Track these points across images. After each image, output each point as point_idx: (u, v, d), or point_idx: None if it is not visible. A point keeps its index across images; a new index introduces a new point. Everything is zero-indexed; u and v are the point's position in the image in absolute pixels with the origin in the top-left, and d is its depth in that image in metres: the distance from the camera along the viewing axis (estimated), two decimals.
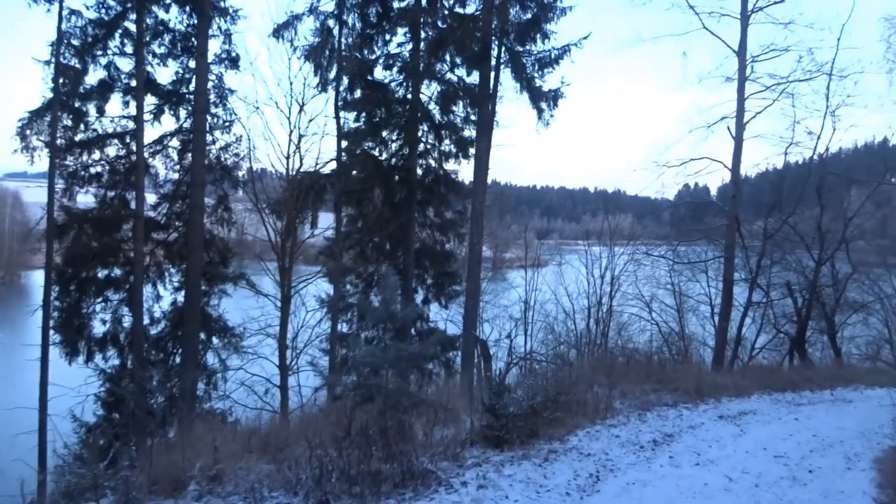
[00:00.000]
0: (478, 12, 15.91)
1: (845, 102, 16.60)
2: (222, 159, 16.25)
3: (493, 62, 15.70)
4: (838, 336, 17.74)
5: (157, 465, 5.55)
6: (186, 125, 15.73)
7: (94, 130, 14.96)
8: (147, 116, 15.26)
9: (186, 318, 14.99)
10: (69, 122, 14.73)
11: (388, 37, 17.44)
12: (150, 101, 15.38)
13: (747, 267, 17.76)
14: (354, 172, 17.35)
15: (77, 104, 14.73)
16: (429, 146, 18.00)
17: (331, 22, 16.54)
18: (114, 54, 14.83)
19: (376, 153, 17.67)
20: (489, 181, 17.99)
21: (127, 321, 15.23)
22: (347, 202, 17.20)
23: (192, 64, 15.44)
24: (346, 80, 16.83)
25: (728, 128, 16.96)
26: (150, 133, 15.59)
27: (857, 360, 17.93)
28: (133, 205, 15.13)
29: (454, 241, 18.96)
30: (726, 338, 17.08)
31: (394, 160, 17.75)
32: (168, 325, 15.81)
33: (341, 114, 16.70)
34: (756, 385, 11.31)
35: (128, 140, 15.15)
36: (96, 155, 15.13)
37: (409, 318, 15.14)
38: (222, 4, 15.60)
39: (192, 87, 15.44)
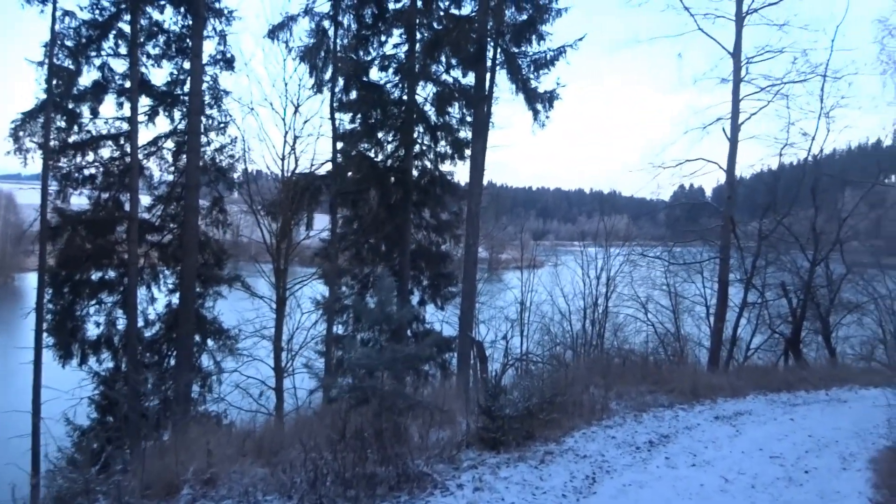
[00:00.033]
0: (473, 13, 15.91)
1: (839, 104, 16.67)
2: (217, 161, 16.22)
3: (489, 63, 15.71)
4: (833, 336, 17.80)
5: (151, 469, 5.50)
6: (181, 126, 15.67)
7: (88, 132, 14.92)
8: (141, 118, 15.24)
9: (181, 321, 14.93)
10: (63, 124, 14.68)
11: (383, 38, 17.42)
12: (144, 102, 15.39)
13: (742, 267, 17.80)
14: (350, 174, 17.32)
15: (71, 105, 14.68)
16: (424, 147, 17.99)
17: (326, 23, 16.53)
18: (108, 55, 14.81)
19: (372, 154, 17.65)
20: (485, 182, 18.00)
21: (121, 323, 15.16)
22: (343, 203, 17.16)
23: (186, 65, 15.40)
24: (341, 82, 16.80)
25: (723, 129, 17.01)
26: (145, 134, 15.58)
27: (851, 360, 17.99)
28: (127, 206, 15.06)
29: (450, 242, 18.94)
30: (722, 338, 17.12)
31: (389, 161, 17.73)
32: (162, 328, 15.75)
33: (337, 115, 16.69)
34: (751, 385, 11.32)
35: (122, 141, 15.09)
36: (90, 156, 15.09)
37: (405, 320, 15.11)
38: (217, 5, 15.56)
39: (186, 88, 15.39)
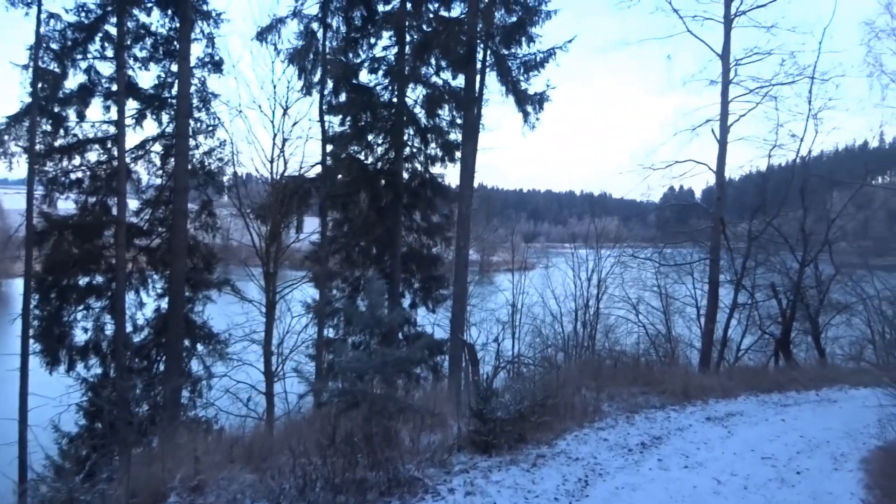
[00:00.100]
0: (463, 16, 15.91)
1: (827, 106, 16.83)
2: (206, 164, 16.09)
3: (479, 65, 15.72)
4: (822, 337, 17.89)
5: (137, 477, 5.41)
6: (169, 130, 15.52)
7: (75, 135, 14.71)
8: (129, 121, 15.07)
9: (170, 325, 14.79)
10: (48, 128, 14.49)
11: (373, 40, 17.41)
12: (131, 105, 15.20)
13: (732, 268, 17.86)
14: (340, 176, 17.27)
15: (56, 109, 14.49)
16: (415, 150, 17.97)
17: (315, 25, 16.47)
18: (94, 58, 14.63)
19: (362, 157, 17.62)
20: (475, 185, 18.00)
21: (109, 329, 14.97)
22: (333, 206, 17.08)
23: (174, 68, 15.25)
24: (330, 84, 16.75)
25: (712, 130, 17.09)
26: (132, 138, 15.42)
27: (841, 360, 18.08)
28: (115, 211, 14.89)
29: (441, 244, 18.91)
30: (712, 339, 17.16)
31: (379, 164, 17.69)
32: (151, 333, 15.58)
33: (326, 117, 16.62)
34: (742, 386, 11.34)
35: (109, 145, 14.91)
36: (77, 160, 14.87)
37: (396, 323, 15.08)
38: (205, 8, 15.42)
39: (174, 91, 15.23)
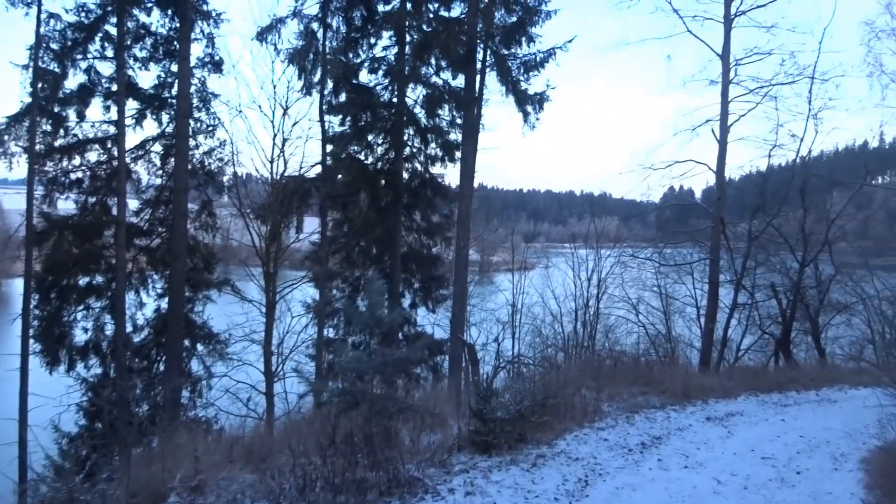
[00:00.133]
0: (463, 16, 15.91)
1: (827, 106, 16.79)
2: (206, 164, 16.07)
3: (479, 65, 15.72)
4: (822, 337, 17.88)
5: (137, 477, 5.41)
6: (169, 130, 15.51)
7: (75, 135, 14.70)
8: (129, 121, 15.05)
9: (170, 325, 14.78)
10: (48, 128, 14.48)
11: (373, 40, 17.40)
12: (131, 105, 15.17)
13: (732, 268, 17.85)
14: (340, 176, 17.26)
15: (56, 109, 14.47)
16: (415, 150, 17.97)
17: (315, 25, 16.46)
18: (94, 58, 14.60)
19: (362, 157, 17.61)
20: (475, 185, 18.00)
21: (109, 329, 14.95)
22: (333, 206, 17.08)
23: (174, 68, 15.23)
24: (330, 84, 16.74)
25: (712, 130, 17.06)
26: (132, 138, 15.40)
27: (840, 360, 18.08)
28: (115, 211, 14.87)
29: (441, 244, 18.90)
30: (712, 339, 17.14)
31: (380, 164, 17.69)
32: (151, 333, 15.57)
33: (326, 117, 16.61)
34: (742, 386, 11.34)
35: (109, 145, 14.89)
36: (77, 160, 14.84)
37: (396, 323, 15.07)
38: (205, 8, 15.40)
39: (174, 91, 15.21)
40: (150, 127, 15.59)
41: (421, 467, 6.16)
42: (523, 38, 15.51)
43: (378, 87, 17.64)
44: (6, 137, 14.06)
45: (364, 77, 17.60)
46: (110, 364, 14.81)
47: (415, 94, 17.58)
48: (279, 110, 15.10)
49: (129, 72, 15.00)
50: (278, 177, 15.16)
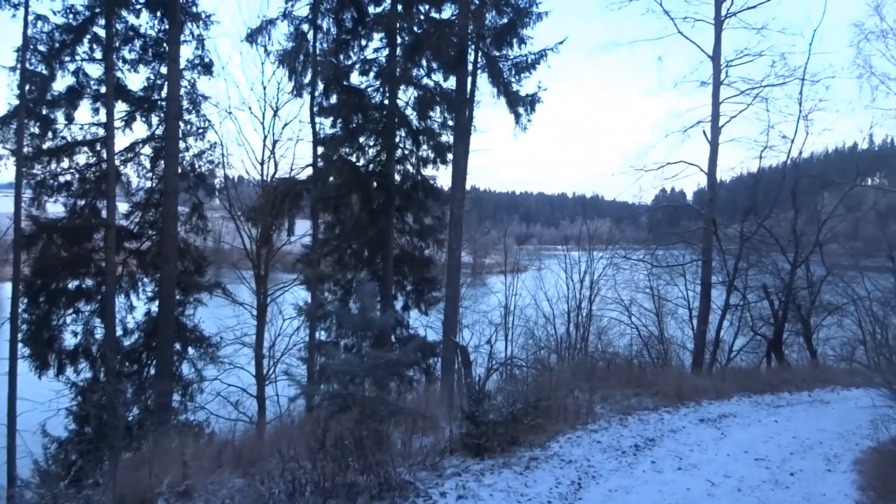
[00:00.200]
0: (454, 17, 15.88)
1: (817, 107, 16.85)
2: (196, 167, 15.97)
3: (470, 67, 15.69)
4: (814, 338, 17.93)
5: (124, 482, 5.33)
6: (159, 132, 15.43)
7: (63, 138, 14.59)
8: (118, 123, 14.96)
9: (161, 329, 14.66)
10: (36, 130, 14.36)
11: (364, 42, 17.38)
12: (120, 107, 15.09)
13: (724, 270, 17.87)
14: (331, 178, 17.19)
15: (45, 111, 14.37)
16: (406, 152, 17.91)
17: (305, 27, 16.41)
18: (82, 60, 14.52)
19: (353, 159, 17.55)
20: (468, 187, 17.97)
21: (99, 333, 14.85)
22: (324, 209, 17.01)
23: (163, 70, 15.15)
24: (321, 86, 16.68)
25: (704, 132, 17.09)
26: (122, 140, 15.29)
27: (832, 361, 18.14)
28: (104, 213, 14.76)
29: (433, 246, 18.86)
30: (705, 340, 17.15)
31: (371, 166, 17.63)
32: (142, 336, 15.46)
33: (317, 119, 16.55)
34: (735, 387, 11.34)
35: (98, 148, 14.79)
36: (65, 163, 14.74)
37: (388, 325, 15.00)
38: (194, 10, 15.31)
39: (164, 93, 15.14)
40: (140, 129, 15.52)
41: (412, 471, 6.11)
42: (514, 40, 15.52)
43: (369, 89, 17.62)
44: None
45: (355, 79, 17.60)
46: (100, 368, 14.69)
47: (406, 95, 17.56)
48: (269, 112, 14.99)
49: (118, 74, 14.92)
50: (269, 179, 15.06)
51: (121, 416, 6.68)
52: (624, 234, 25.55)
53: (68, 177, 14.81)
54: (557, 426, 8.05)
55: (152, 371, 15.11)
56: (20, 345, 13.94)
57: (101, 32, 14.44)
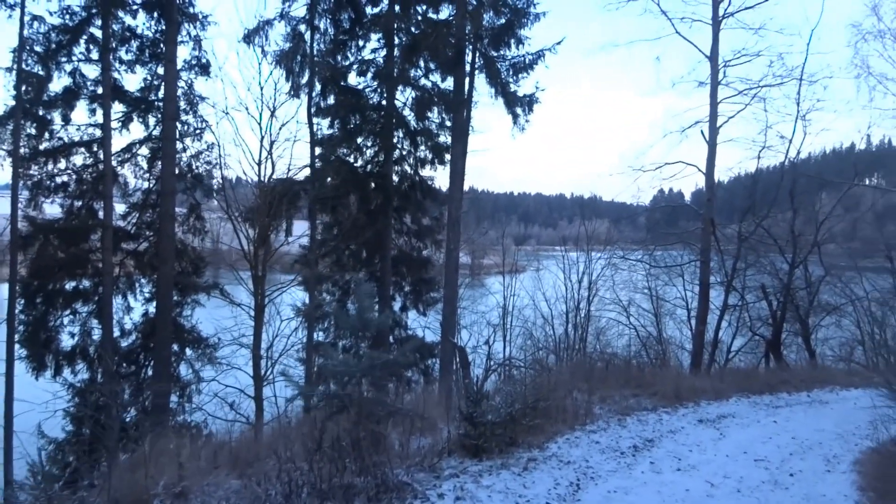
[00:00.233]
0: (451, 18, 15.85)
1: (815, 107, 16.87)
2: (193, 167, 15.94)
3: (468, 67, 15.67)
4: (812, 338, 17.94)
5: (120, 483, 5.29)
6: (156, 133, 15.37)
7: (60, 139, 14.55)
8: (115, 124, 14.92)
9: (158, 330, 14.63)
10: (33, 131, 14.31)
11: (361, 42, 17.34)
12: (117, 108, 15.06)
13: (723, 270, 17.87)
14: (329, 179, 17.17)
15: (41, 112, 14.32)
16: (404, 152, 17.91)
17: (302, 27, 16.38)
18: (79, 61, 14.47)
19: (351, 160, 17.53)
20: (466, 187, 17.95)
21: (96, 334, 14.81)
22: (322, 209, 16.98)
23: (160, 71, 15.08)
24: (318, 86, 16.65)
25: (702, 132, 17.09)
26: (118, 141, 15.28)
27: (831, 361, 18.14)
28: (101, 214, 14.73)
29: (431, 247, 18.83)
30: (703, 341, 17.15)
31: (369, 167, 17.61)
32: (139, 337, 15.42)
33: (314, 120, 16.52)
34: (734, 388, 11.32)
35: (95, 148, 14.76)
36: (62, 164, 14.70)
37: (386, 326, 14.97)
38: (191, 10, 15.30)
39: (160, 94, 15.08)
40: (137, 130, 15.52)
41: (410, 472, 6.08)
42: (512, 41, 15.49)
43: (367, 90, 17.59)
44: None
45: (353, 79, 17.58)
46: (97, 369, 14.64)
47: (404, 96, 17.56)
48: (267, 112, 14.96)
49: (115, 74, 14.86)
50: (266, 179, 15.03)
51: (116, 418, 6.65)
52: (622, 234, 25.57)
53: (65, 178, 14.76)
54: (556, 427, 8.02)
55: (150, 372, 15.06)
56: (17, 346, 13.90)
57: (98, 33, 14.43)
